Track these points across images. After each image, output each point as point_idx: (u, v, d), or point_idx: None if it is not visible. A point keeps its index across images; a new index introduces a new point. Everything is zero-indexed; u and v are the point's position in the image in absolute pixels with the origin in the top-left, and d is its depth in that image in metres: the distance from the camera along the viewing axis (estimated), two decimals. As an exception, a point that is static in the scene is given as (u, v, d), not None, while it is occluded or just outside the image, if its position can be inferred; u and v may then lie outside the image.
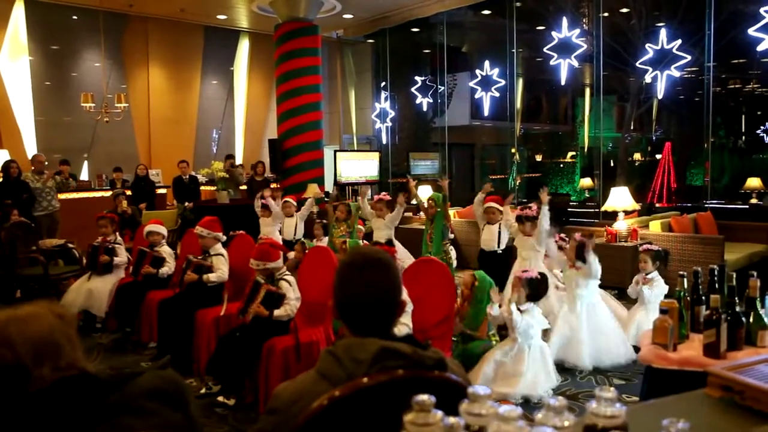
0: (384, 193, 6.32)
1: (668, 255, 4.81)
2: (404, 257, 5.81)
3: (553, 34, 9.65)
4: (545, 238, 4.87)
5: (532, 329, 3.85)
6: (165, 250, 5.43)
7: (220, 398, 3.89)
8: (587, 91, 16.29)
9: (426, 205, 6.09)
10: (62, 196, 8.69)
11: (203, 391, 4.05)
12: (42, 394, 1.15)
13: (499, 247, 5.41)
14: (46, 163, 8.53)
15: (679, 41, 8.35)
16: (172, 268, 5.36)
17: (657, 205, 11.23)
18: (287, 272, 4.06)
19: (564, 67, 9.63)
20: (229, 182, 9.70)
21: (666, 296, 4.42)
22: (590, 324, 4.38)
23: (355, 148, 14.46)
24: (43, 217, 8.07)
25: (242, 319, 3.94)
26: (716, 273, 2.81)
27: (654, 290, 4.59)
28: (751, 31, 7.41)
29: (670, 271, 5.02)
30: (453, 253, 6.06)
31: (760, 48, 7.36)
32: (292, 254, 4.97)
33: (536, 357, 3.87)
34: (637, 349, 4.01)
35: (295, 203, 6.79)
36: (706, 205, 8.68)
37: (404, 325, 3.22)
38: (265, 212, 6.66)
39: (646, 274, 4.65)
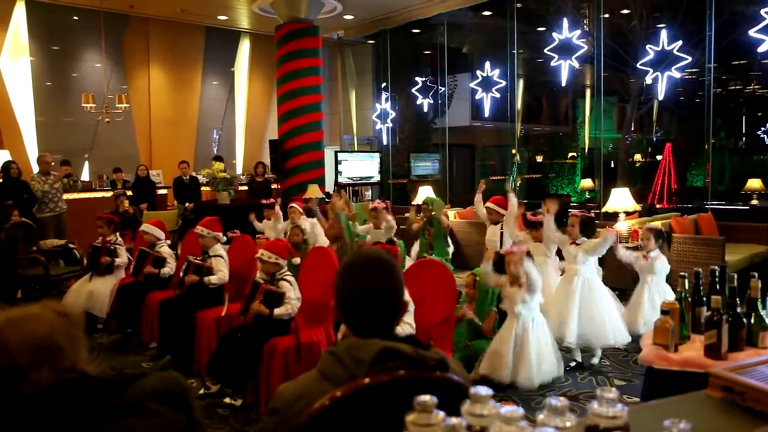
0: (378, 200, 6.24)
1: (670, 236, 4.86)
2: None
3: (554, 35, 9.65)
4: (554, 242, 4.89)
5: (533, 301, 3.90)
6: (165, 251, 5.44)
7: (227, 399, 3.90)
8: (588, 92, 16.30)
9: (412, 218, 6.09)
10: (64, 196, 8.66)
11: (202, 391, 4.05)
12: (40, 397, 1.15)
13: (501, 246, 5.39)
14: (53, 163, 8.46)
15: (680, 42, 8.35)
16: (173, 268, 5.37)
17: (657, 206, 11.21)
18: (288, 272, 4.07)
19: (564, 68, 9.63)
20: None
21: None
22: (584, 301, 4.36)
23: (356, 149, 14.47)
24: (49, 218, 8.04)
25: (243, 319, 3.95)
26: (717, 274, 2.81)
27: (657, 264, 4.64)
28: (751, 33, 7.41)
29: (672, 273, 5.03)
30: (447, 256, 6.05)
31: (760, 49, 7.36)
32: (297, 260, 4.94)
33: (540, 338, 3.91)
34: (637, 342, 4.01)
35: (300, 209, 6.64)
36: (707, 206, 8.68)
37: (407, 325, 3.22)
38: (270, 213, 6.49)
39: (648, 252, 4.70)
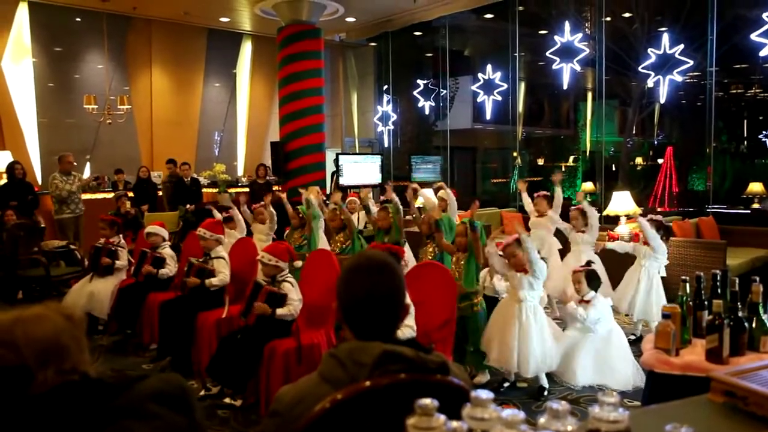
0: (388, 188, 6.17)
1: (670, 229, 5.13)
2: (410, 259, 5.74)
3: (556, 38, 9.66)
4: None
5: (538, 287, 4.00)
6: (166, 252, 5.43)
7: (227, 400, 3.89)
8: (589, 95, 16.27)
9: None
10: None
11: (202, 393, 4.05)
12: (43, 398, 1.15)
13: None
14: (75, 164, 8.43)
15: (682, 46, 8.35)
16: (173, 269, 5.36)
17: (659, 209, 11.21)
18: (288, 274, 4.06)
19: (566, 71, 9.63)
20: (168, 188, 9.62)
21: (669, 301, 4.47)
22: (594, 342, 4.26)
23: (357, 151, 14.47)
24: (69, 219, 8.03)
25: (244, 321, 3.94)
26: (719, 278, 2.80)
27: (658, 248, 4.97)
28: (753, 36, 7.42)
29: (673, 276, 5.05)
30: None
31: (762, 53, 7.37)
32: (299, 263, 4.92)
33: (542, 325, 3.97)
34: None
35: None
36: (708, 210, 8.67)
37: (408, 328, 3.22)
38: (260, 217, 6.07)
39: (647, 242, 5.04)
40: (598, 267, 4.96)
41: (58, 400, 1.14)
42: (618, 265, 5.52)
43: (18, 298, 6.59)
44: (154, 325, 4.96)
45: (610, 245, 5.34)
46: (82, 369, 1.23)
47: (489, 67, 11.55)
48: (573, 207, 5.61)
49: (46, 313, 1.26)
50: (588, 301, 4.13)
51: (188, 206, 9.55)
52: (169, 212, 9.27)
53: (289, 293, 3.90)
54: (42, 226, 7.42)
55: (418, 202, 6.86)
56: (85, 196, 9.49)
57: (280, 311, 3.82)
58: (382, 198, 5.78)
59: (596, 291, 4.19)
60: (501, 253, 4.06)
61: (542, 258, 4.23)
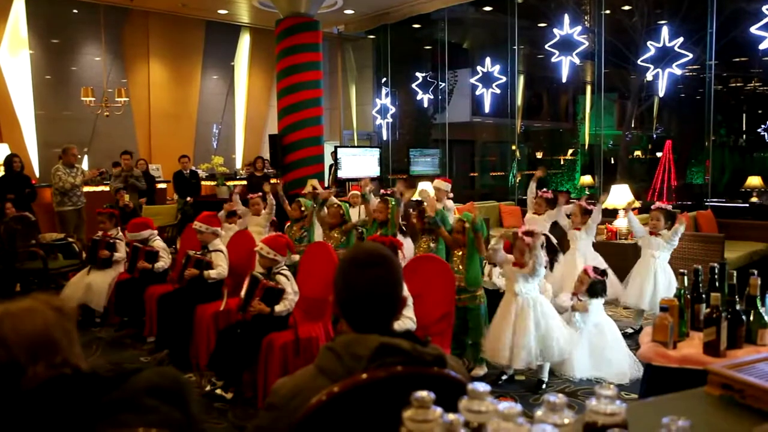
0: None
1: (675, 217, 5.13)
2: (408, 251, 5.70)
3: (555, 31, 9.62)
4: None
5: (533, 283, 3.99)
6: (158, 245, 5.40)
7: (219, 391, 3.88)
8: (588, 88, 16.27)
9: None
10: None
11: (208, 388, 3.99)
12: (35, 393, 1.14)
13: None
14: (79, 156, 8.37)
15: (681, 39, 8.33)
16: (168, 262, 5.34)
17: (657, 203, 11.21)
18: (284, 267, 4.05)
19: (565, 65, 9.60)
20: (129, 184, 8.94)
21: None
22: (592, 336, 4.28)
23: (356, 144, 14.45)
24: (71, 212, 7.99)
25: (242, 315, 3.93)
26: (717, 271, 2.80)
27: (670, 240, 4.99)
28: (752, 30, 7.39)
29: (672, 268, 5.05)
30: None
31: (761, 46, 7.34)
32: (296, 257, 4.91)
33: (542, 317, 3.95)
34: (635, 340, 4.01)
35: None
36: (707, 204, 8.66)
37: (408, 319, 3.22)
38: (257, 209, 5.99)
39: (659, 231, 5.02)
40: (599, 263, 4.94)
41: (49, 394, 1.14)
42: (619, 259, 5.51)
43: (16, 290, 6.59)
44: (152, 318, 4.96)
45: (631, 216, 5.31)
46: (73, 362, 1.22)
47: (488, 60, 11.51)
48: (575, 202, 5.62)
49: (35, 306, 1.25)
50: (581, 301, 4.16)
51: (188, 199, 9.54)
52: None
53: (285, 287, 3.89)
54: (33, 219, 7.35)
55: (416, 195, 6.86)
56: (84, 189, 9.49)
57: (278, 308, 3.81)
58: (382, 192, 5.71)
59: (591, 299, 4.18)
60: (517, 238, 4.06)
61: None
